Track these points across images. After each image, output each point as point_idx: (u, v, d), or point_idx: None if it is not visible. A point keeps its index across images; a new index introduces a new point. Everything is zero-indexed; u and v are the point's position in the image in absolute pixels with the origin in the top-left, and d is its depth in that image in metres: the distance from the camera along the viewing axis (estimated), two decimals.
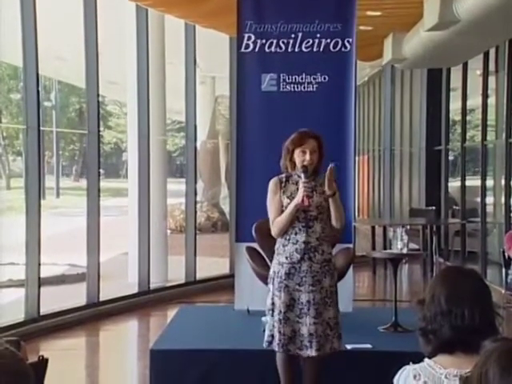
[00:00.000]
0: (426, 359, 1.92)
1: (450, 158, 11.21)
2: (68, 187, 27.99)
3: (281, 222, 3.80)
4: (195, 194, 8.89)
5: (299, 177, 3.81)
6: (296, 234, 3.79)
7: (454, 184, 10.81)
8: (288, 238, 3.81)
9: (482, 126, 9.34)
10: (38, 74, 6.40)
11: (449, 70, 10.61)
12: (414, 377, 1.89)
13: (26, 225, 6.27)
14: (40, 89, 6.73)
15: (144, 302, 7.53)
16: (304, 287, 3.76)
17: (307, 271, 3.77)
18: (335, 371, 4.22)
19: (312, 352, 3.74)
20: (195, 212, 8.81)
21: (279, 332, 3.76)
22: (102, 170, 8.12)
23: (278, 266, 3.84)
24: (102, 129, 11.09)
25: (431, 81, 11.10)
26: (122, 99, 19.54)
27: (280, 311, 3.77)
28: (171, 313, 6.19)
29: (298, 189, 3.79)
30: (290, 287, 3.78)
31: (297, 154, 3.82)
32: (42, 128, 6.48)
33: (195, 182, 8.85)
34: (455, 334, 1.89)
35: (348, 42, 5.51)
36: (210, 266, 9.15)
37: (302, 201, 3.72)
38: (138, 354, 5.97)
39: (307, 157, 3.78)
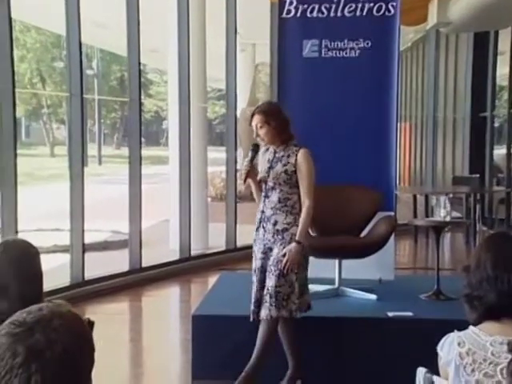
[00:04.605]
0: (471, 326, 1.90)
1: (496, 124, 10.96)
2: (110, 155, 28.31)
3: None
4: (235, 162, 8.90)
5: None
6: (261, 202, 3.99)
7: (500, 151, 10.58)
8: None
9: None
10: (80, 43, 6.44)
11: (496, 33, 10.30)
12: (459, 344, 1.87)
13: (70, 192, 6.37)
14: (82, 57, 6.77)
15: (185, 268, 7.63)
16: (258, 254, 3.93)
17: (262, 239, 3.94)
18: (376, 338, 4.22)
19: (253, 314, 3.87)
20: (235, 180, 8.82)
21: None
22: (142, 139, 8.16)
23: None
24: (142, 97, 11.13)
25: (477, 45, 10.80)
26: (162, 67, 19.57)
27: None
28: (212, 279, 6.26)
29: (268, 160, 3.94)
30: (254, 252, 3.99)
31: None
32: (84, 96, 6.54)
33: (235, 150, 8.84)
34: (501, 299, 1.86)
35: (392, 5, 5.37)
36: (250, 233, 9.15)
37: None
38: (180, 320, 6.06)
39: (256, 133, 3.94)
